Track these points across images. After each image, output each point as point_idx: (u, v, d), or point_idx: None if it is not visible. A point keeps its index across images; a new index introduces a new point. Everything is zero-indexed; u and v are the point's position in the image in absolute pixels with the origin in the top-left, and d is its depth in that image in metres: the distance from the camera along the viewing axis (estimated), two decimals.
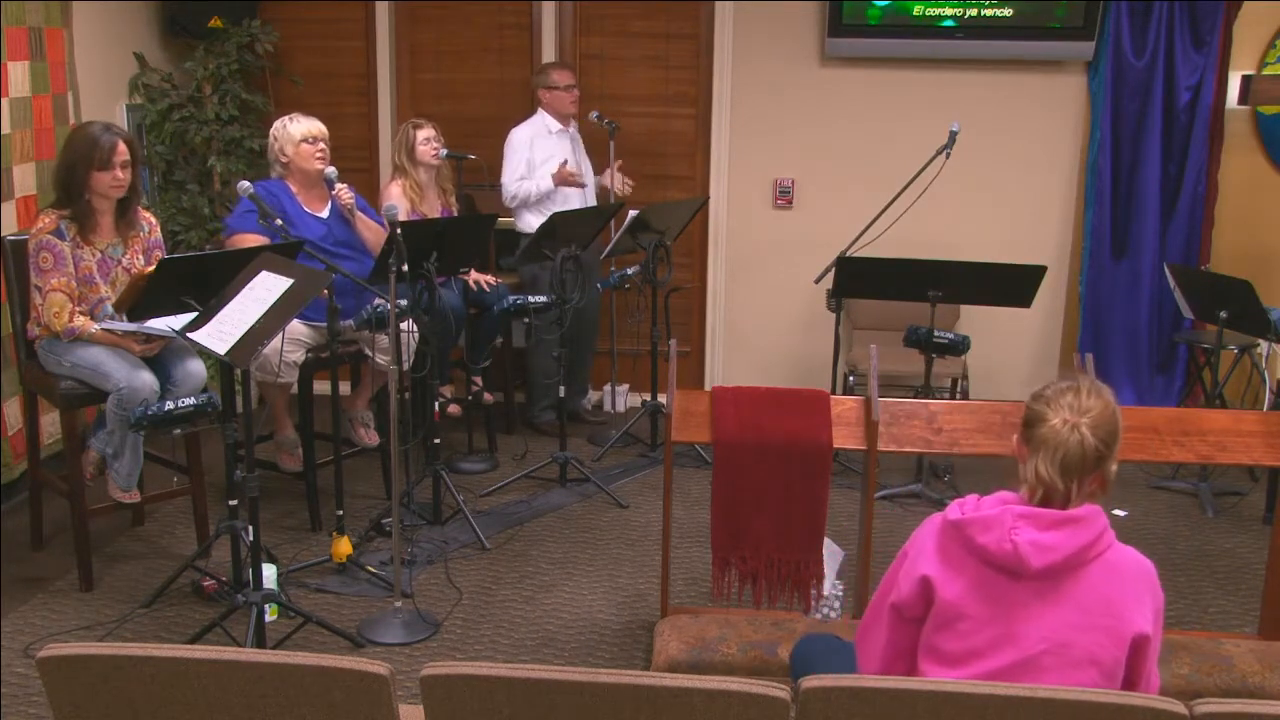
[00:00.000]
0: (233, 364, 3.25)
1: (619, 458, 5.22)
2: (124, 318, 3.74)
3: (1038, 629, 2.02)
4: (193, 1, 5.37)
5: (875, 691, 1.79)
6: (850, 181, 5.58)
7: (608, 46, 5.77)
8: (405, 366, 4.17)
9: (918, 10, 5.37)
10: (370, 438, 4.73)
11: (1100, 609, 2.01)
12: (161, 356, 3.83)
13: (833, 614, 3.42)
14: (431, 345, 4.24)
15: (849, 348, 5.50)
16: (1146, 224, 5.46)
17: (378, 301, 4.08)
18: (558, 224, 4.70)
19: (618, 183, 5.47)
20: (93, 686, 1.84)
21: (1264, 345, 5.06)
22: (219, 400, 3.46)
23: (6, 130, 4.36)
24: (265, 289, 3.27)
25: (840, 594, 3.47)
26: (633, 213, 4.96)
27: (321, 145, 4.34)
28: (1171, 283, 4.97)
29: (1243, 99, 5.09)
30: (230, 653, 1.84)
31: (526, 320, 4.86)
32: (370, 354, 4.44)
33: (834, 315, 4.96)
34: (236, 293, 3.30)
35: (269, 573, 3.60)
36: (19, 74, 4.43)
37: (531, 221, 5.24)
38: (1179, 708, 1.75)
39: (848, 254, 4.81)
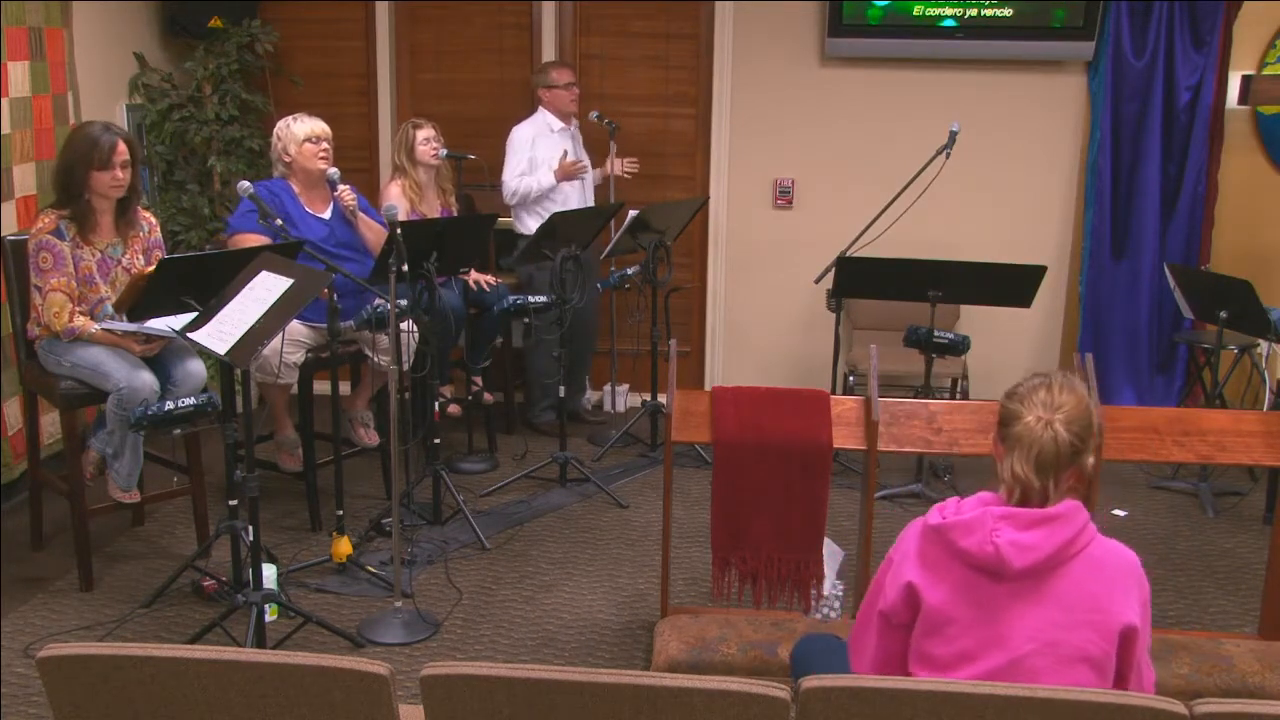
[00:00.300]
0: (233, 364, 3.25)
1: (619, 458, 5.22)
2: (124, 318, 3.74)
3: (1025, 629, 2.01)
4: (193, 1, 5.37)
5: (875, 691, 1.79)
6: (850, 181, 5.58)
7: (608, 46, 5.77)
8: (405, 366, 4.17)
9: (918, 10, 5.37)
10: (370, 438, 4.73)
11: (1086, 604, 2.01)
12: (161, 356, 3.83)
13: (833, 614, 3.42)
14: (431, 345, 4.24)
15: (849, 348, 5.50)
16: (1146, 224, 5.46)
17: (378, 301, 4.09)
18: (558, 224, 4.70)
19: (619, 168, 5.46)
20: (93, 686, 1.84)
21: (1264, 345, 5.06)
22: (219, 400, 3.46)
23: (6, 130, 4.36)
24: (265, 289, 3.27)
25: (840, 594, 3.47)
26: (633, 213, 4.96)
27: (325, 145, 4.34)
28: (1171, 283, 4.97)
29: (1243, 99, 5.09)
30: (230, 653, 1.84)
31: (526, 320, 4.87)
32: (370, 354, 4.44)
33: (834, 315, 4.96)
34: (236, 293, 3.30)
35: (269, 573, 3.60)
36: (19, 74, 4.43)
37: (529, 224, 5.25)
38: (1179, 708, 1.75)
39: (848, 254, 4.81)
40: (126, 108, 5.29)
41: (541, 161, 5.22)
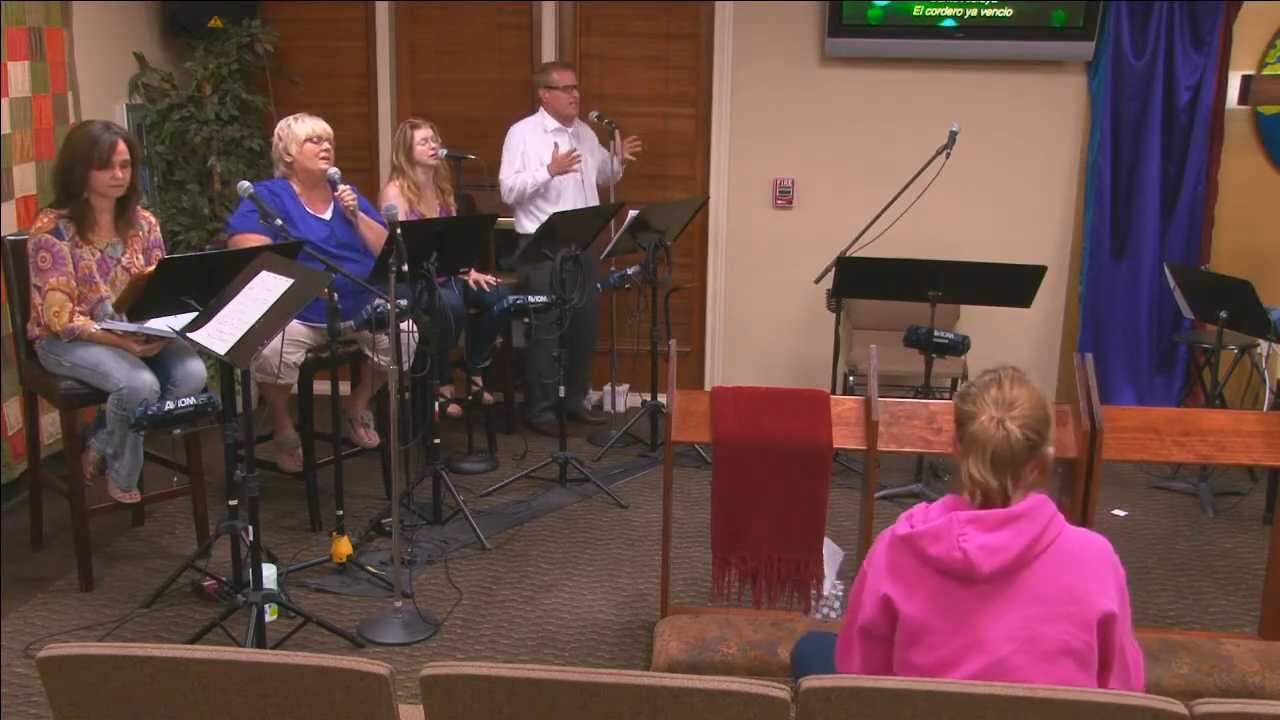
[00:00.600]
0: (233, 364, 3.25)
1: (619, 458, 5.22)
2: (124, 318, 3.74)
3: (1003, 629, 2.01)
4: (193, 1, 5.37)
5: (875, 691, 1.79)
6: (850, 181, 5.58)
7: (608, 46, 5.77)
8: (405, 366, 4.17)
9: (918, 10, 5.37)
10: (370, 438, 4.73)
11: (1062, 597, 2.00)
12: (162, 356, 3.83)
13: (833, 614, 3.42)
14: (431, 345, 4.24)
15: (849, 348, 5.50)
16: (1146, 224, 5.46)
17: (378, 301, 4.09)
18: (558, 224, 4.70)
19: (625, 151, 5.44)
20: (93, 686, 1.84)
21: (1264, 345, 5.06)
22: (219, 400, 3.46)
23: (6, 130, 4.36)
24: (265, 289, 3.27)
25: (840, 594, 3.47)
26: (633, 213, 4.96)
27: (326, 145, 4.34)
28: (1171, 283, 4.97)
29: (1243, 99, 5.09)
30: (230, 653, 1.84)
31: (526, 320, 4.86)
32: (370, 354, 4.44)
33: (834, 315, 4.96)
34: (236, 293, 3.30)
35: (269, 573, 3.60)
36: (19, 74, 4.43)
37: (527, 224, 5.25)
38: (1179, 708, 1.75)
39: (848, 254, 4.81)
40: (126, 108, 5.29)
41: (534, 158, 5.22)
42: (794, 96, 5.64)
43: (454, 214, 5.10)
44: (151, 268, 3.61)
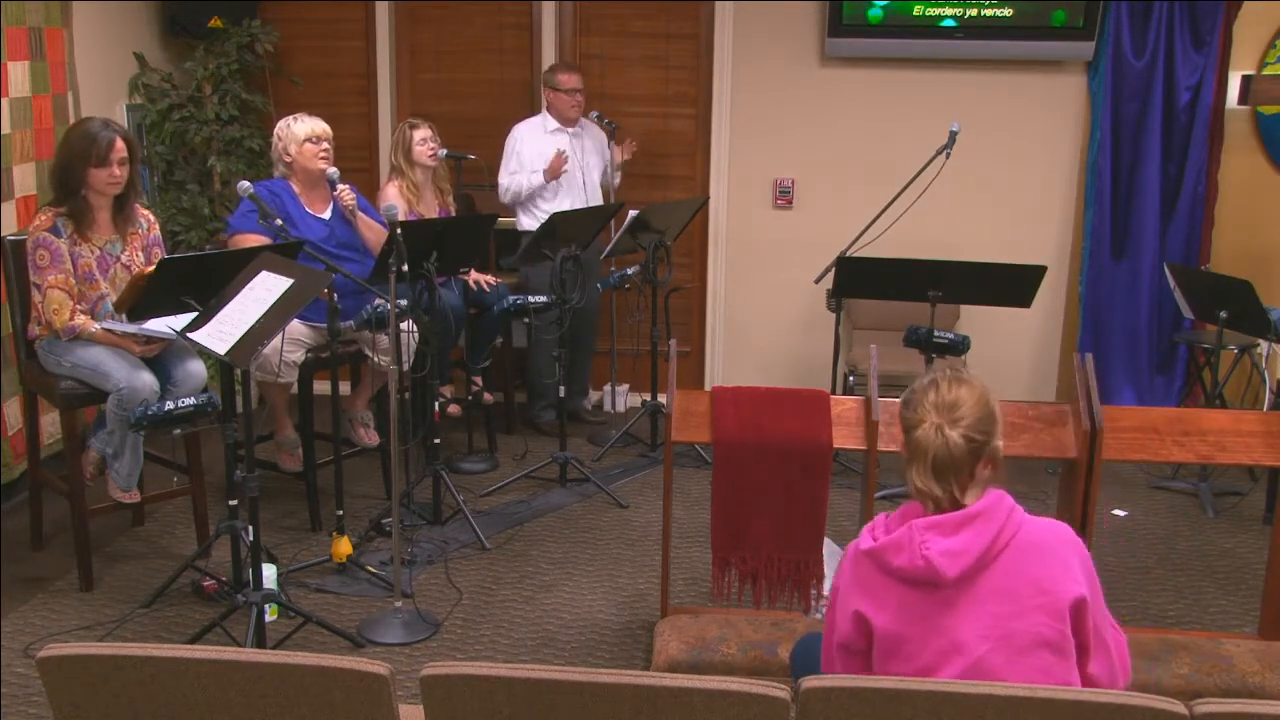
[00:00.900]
0: (233, 364, 3.25)
1: (619, 458, 5.22)
2: (124, 318, 3.74)
3: (976, 630, 2.00)
4: (193, 1, 5.37)
5: (875, 691, 1.79)
6: (850, 181, 5.58)
7: (608, 46, 5.77)
8: (405, 366, 4.17)
9: (918, 10, 5.36)
10: (370, 438, 4.73)
11: (1030, 590, 1.99)
12: (162, 357, 3.83)
13: None
14: (431, 345, 4.24)
15: (849, 348, 5.50)
16: (1146, 224, 5.46)
17: (378, 301, 4.08)
18: (558, 224, 4.70)
19: (620, 156, 5.45)
20: (93, 686, 1.84)
21: (1264, 345, 5.06)
22: (219, 400, 3.46)
23: (6, 130, 4.36)
24: (265, 289, 3.27)
25: None
26: (633, 213, 4.96)
27: (325, 145, 4.34)
28: (1171, 283, 4.97)
29: (1243, 99, 5.09)
30: (230, 653, 1.84)
31: (526, 320, 4.86)
32: (370, 354, 4.44)
33: (834, 315, 4.96)
34: (236, 293, 3.30)
35: (269, 573, 3.60)
36: (19, 74, 4.43)
37: (527, 223, 5.25)
38: (1179, 708, 1.75)
39: (848, 254, 4.81)
40: (126, 108, 5.29)
41: (529, 159, 5.23)
42: (794, 96, 5.64)
43: (453, 214, 5.10)
44: (151, 267, 3.60)
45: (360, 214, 4.44)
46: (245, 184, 3.78)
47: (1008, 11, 5.33)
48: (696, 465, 5.06)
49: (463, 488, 4.68)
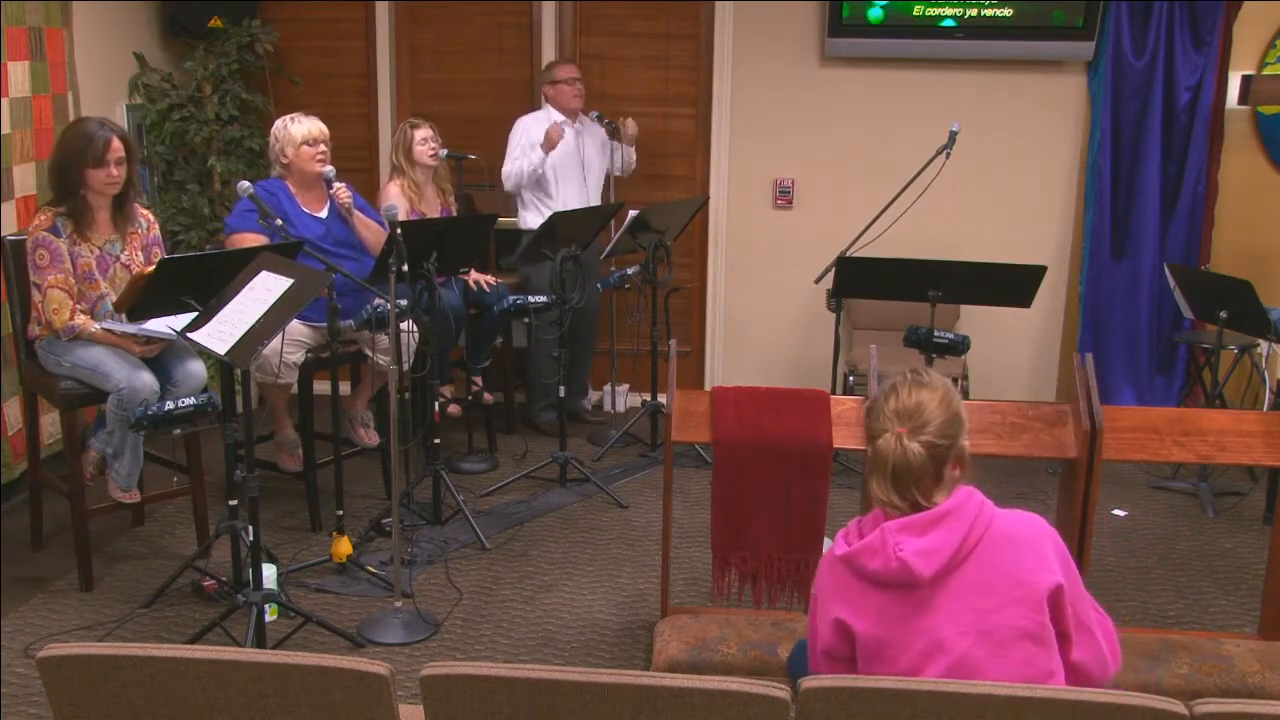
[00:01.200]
0: (233, 364, 3.25)
1: (619, 458, 5.22)
2: (124, 318, 3.74)
3: (955, 628, 2.00)
4: (193, 1, 5.37)
5: (875, 692, 1.79)
6: (850, 181, 5.58)
7: (608, 46, 5.77)
8: (405, 366, 4.16)
9: (918, 10, 5.36)
10: (370, 438, 4.73)
11: (1007, 583, 1.99)
12: (162, 357, 3.83)
13: None
14: (431, 345, 4.24)
15: (849, 348, 5.50)
16: (1146, 224, 5.46)
17: (378, 301, 4.08)
18: (558, 224, 4.70)
19: (631, 127, 5.43)
20: (93, 686, 1.84)
21: (1264, 345, 5.06)
22: (219, 400, 3.46)
23: (6, 130, 4.36)
24: (265, 289, 3.27)
25: None
26: (633, 213, 4.96)
27: (322, 147, 4.34)
28: (1171, 283, 4.97)
29: (1243, 99, 5.09)
30: (230, 653, 1.84)
31: (526, 320, 4.86)
32: (370, 354, 4.44)
33: (834, 315, 4.96)
34: (236, 293, 3.30)
35: (269, 573, 3.60)
36: (19, 74, 4.43)
37: (531, 220, 5.25)
38: (1179, 708, 1.75)
39: (848, 254, 4.81)
40: (126, 108, 5.29)
41: (532, 142, 5.23)
42: (794, 96, 5.64)
43: (454, 214, 5.10)
44: (151, 267, 3.60)
45: (357, 212, 4.44)
46: (245, 184, 3.78)
47: (1008, 11, 5.33)
48: (696, 465, 5.06)
49: (463, 488, 4.68)
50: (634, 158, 5.56)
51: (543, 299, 4.78)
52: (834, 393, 3.85)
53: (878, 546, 2.01)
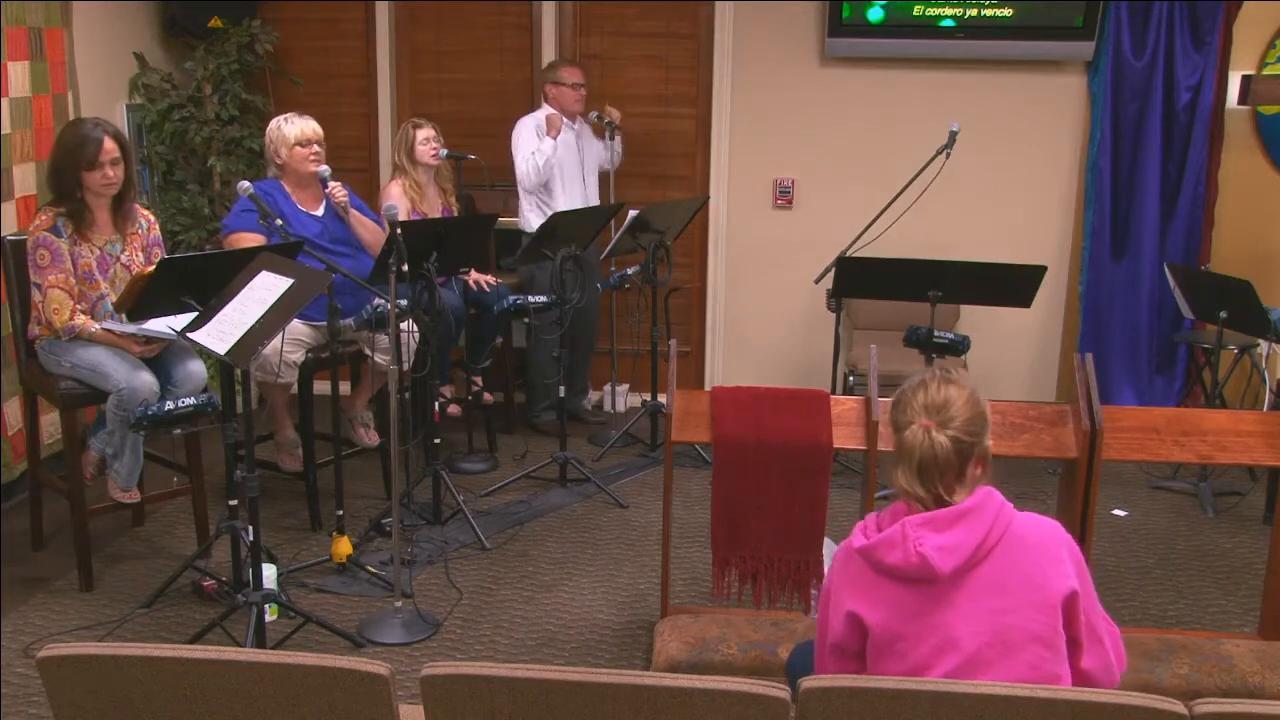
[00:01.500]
0: (233, 364, 3.25)
1: (619, 458, 5.22)
2: (124, 318, 3.74)
3: (969, 626, 2.01)
4: (193, 1, 5.37)
5: (875, 692, 1.79)
6: (850, 181, 5.58)
7: (608, 46, 5.77)
8: (405, 366, 4.17)
9: (918, 10, 5.36)
10: (370, 438, 4.73)
11: (1022, 586, 2.00)
12: (162, 357, 3.83)
13: None
14: (431, 345, 4.24)
15: (849, 348, 5.50)
16: (1146, 224, 5.46)
17: (378, 301, 4.08)
18: (558, 224, 4.70)
19: (616, 117, 5.43)
20: (93, 686, 1.84)
21: (1264, 345, 5.06)
22: (219, 400, 3.46)
23: (6, 130, 4.36)
24: (265, 289, 3.27)
25: None
26: (633, 212, 4.96)
27: (316, 148, 4.34)
28: (1171, 283, 4.97)
29: (1243, 99, 5.08)
30: (230, 653, 1.84)
31: (526, 320, 4.86)
32: (370, 354, 4.44)
33: (834, 315, 4.96)
34: (236, 293, 3.30)
35: (269, 573, 3.60)
36: (19, 74, 4.43)
37: (532, 220, 5.25)
38: (1179, 708, 1.75)
39: (848, 254, 4.81)
40: (126, 108, 5.29)
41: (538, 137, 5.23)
42: (794, 96, 5.64)
43: (456, 214, 5.11)
44: (151, 267, 3.60)
45: (353, 211, 4.45)
46: (245, 184, 3.78)
47: (1008, 11, 5.33)
48: (696, 465, 5.06)
49: (463, 488, 4.68)
50: (621, 149, 5.55)
51: (543, 299, 4.78)
52: (834, 393, 3.85)
53: (897, 540, 2.02)
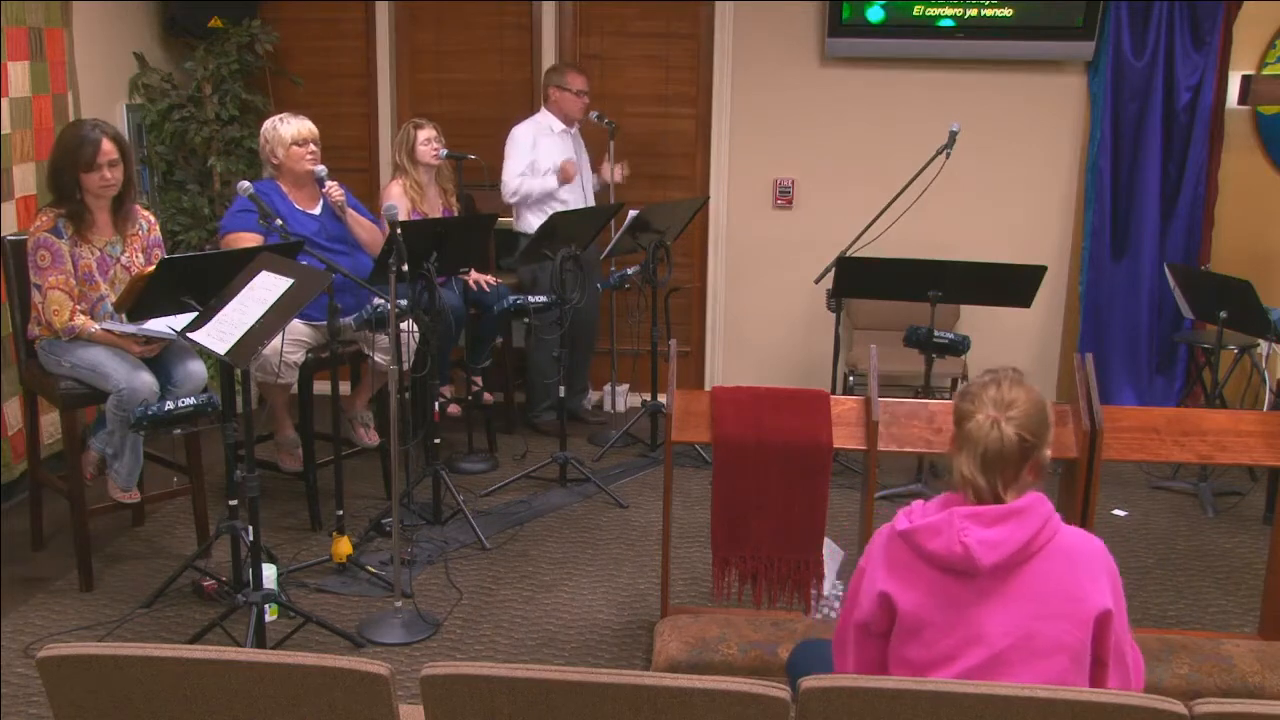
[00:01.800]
0: (233, 364, 3.25)
1: (619, 458, 5.22)
2: (124, 318, 3.74)
3: (1000, 625, 2.02)
4: (193, 1, 5.37)
5: (875, 692, 1.79)
6: (850, 181, 5.58)
7: (608, 46, 5.77)
8: (405, 366, 4.17)
9: (918, 10, 5.36)
10: (370, 438, 4.73)
11: (1058, 595, 2.01)
12: (162, 357, 3.83)
13: (832, 614, 3.42)
14: (431, 345, 4.24)
15: (849, 348, 5.50)
16: (1146, 224, 5.46)
17: (377, 301, 4.09)
18: (558, 224, 4.70)
19: (616, 174, 5.46)
20: (93, 686, 1.84)
21: (1264, 345, 5.06)
22: (219, 400, 3.46)
23: (6, 130, 4.36)
24: (265, 289, 3.27)
25: (840, 594, 3.47)
26: (633, 213, 4.96)
27: (311, 147, 4.34)
28: (1171, 283, 4.97)
29: (1243, 99, 5.08)
30: (230, 653, 1.84)
31: (526, 320, 4.86)
32: (370, 354, 4.44)
33: (834, 315, 4.96)
34: (236, 293, 3.30)
35: (269, 573, 3.60)
36: (19, 74, 4.43)
37: (532, 221, 5.25)
38: (1179, 708, 1.75)
39: (848, 254, 4.81)
40: (126, 108, 5.29)
41: (543, 163, 5.22)
42: (794, 96, 5.64)
43: (456, 214, 5.11)
44: (151, 268, 3.60)
45: (350, 210, 4.45)
46: (245, 184, 3.78)
47: (1008, 11, 5.33)
48: (696, 465, 5.06)
49: (463, 488, 4.68)
50: (597, 185, 5.56)
51: (543, 299, 4.78)
52: (834, 393, 3.85)
53: (942, 527, 2.03)
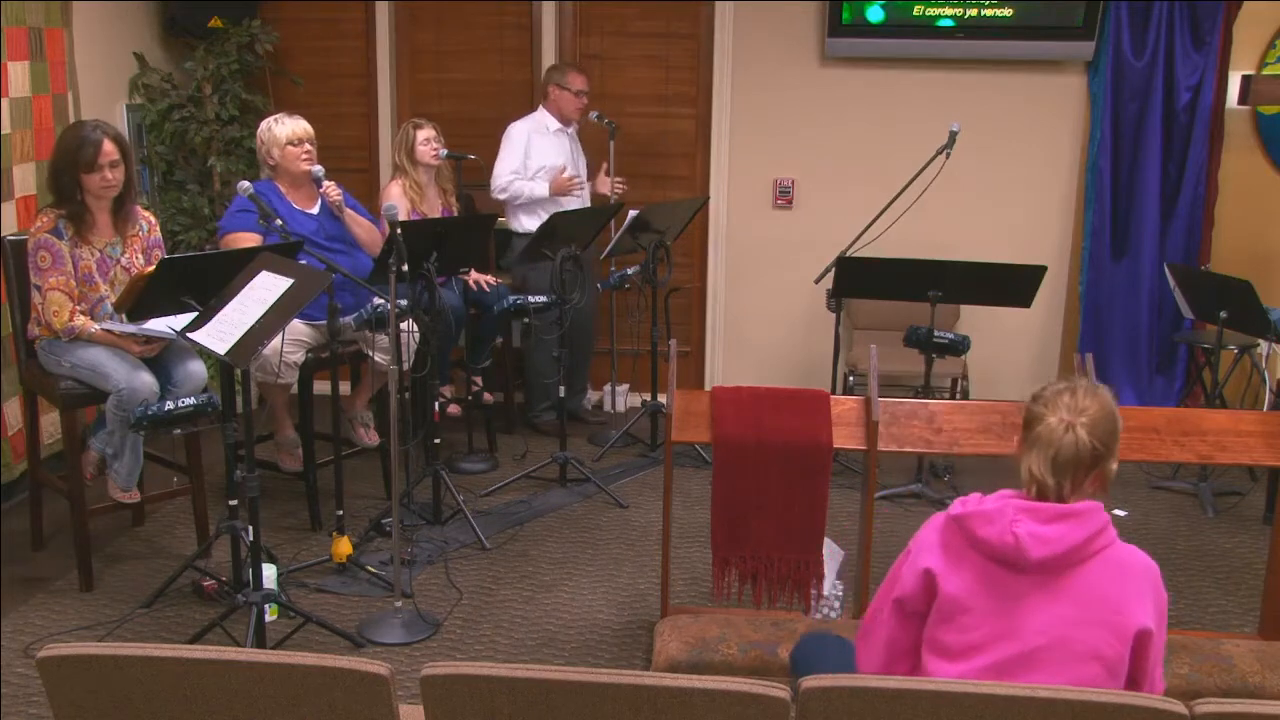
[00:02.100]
0: (233, 364, 3.25)
1: (619, 458, 5.22)
2: (124, 318, 3.74)
3: (1038, 623, 2.03)
4: (193, 1, 5.37)
5: (875, 691, 1.79)
6: (850, 181, 5.58)
7: (608, 46, 5.77)
8: (405, 366, 4.17)
9: (917, 10, 5.36)
10: (370, 438, 4.73)
11: (1100, 605, 2.02)
12: (162, 357, 3.83)
13: (833, 614, 3.42)
14: (431, 345, 4.24)
15: (849, 348, 5.50)
16: (1146, 224, 5.46)
17: (377, 301, 4.09)
18: (558, 224, 4.70)
19: (606, 187, 5.47)
20: (93, 686, 1.84)
21: (1264, 345, 5.06)
22: (219, 400, 3.46)
23: (6, 130, 4.36)
24: (265, 289, 3.27)
25: (840, 594, 3.47)
26: (633, 212, 4.97)
27: (307, 147, 4.34)
28: (1171, 283, 4.97)
29: (1243, 99, 5.09)
30: (230, 653, 1.84)
31: (526, 320, 4.86)
32: (370, 354, 4.44)
33: (834, 315, 4.96)
34: (236, 293, 3.30)
35: (269, 573, 3.60)
36: (19, 74, 4.43)
37: (524, 221, 5.25)
38: (1179, 708, 1.75)
39: (848, 254, 4.81)
40: (126, 108, 5.29)
41: (537, 166, 5.22)
42: (794, 96, 5.64)
43: (456, 214, 5.10)
44: (151, 268, 3.60)
45: (348, 210, 4.45)
46: (245, 184, 3.78)
47: (1008, 11, 5.33)
48: (696, 465, 5.06)
49: (463, 488, 4.68)
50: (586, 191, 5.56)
51: (542, 299, 4.78)
52: (834, 393, 3.85)
53: (996, 516, 2.04)
